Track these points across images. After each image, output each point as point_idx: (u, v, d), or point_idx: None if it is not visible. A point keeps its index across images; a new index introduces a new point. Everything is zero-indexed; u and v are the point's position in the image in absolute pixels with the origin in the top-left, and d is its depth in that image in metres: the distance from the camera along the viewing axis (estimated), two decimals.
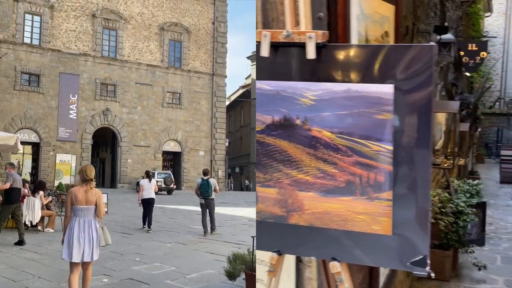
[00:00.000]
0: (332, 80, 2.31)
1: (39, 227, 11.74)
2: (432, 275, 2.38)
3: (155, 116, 33.57)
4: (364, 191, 2.31)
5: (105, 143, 35.40)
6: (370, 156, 2.27)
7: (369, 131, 2.26)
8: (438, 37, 7.89)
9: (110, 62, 32.21)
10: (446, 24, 8.45)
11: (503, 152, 28.31)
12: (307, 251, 2.58)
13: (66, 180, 27.59)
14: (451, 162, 9.54)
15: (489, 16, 35.34)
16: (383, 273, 4.26)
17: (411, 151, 2.26)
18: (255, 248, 5.77)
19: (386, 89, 2.20)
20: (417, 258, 2.32)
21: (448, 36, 7.90)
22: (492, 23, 37.70)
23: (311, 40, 2.28)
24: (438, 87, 10.97)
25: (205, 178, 12.12)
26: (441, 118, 10.17)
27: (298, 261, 3.07)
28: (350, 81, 2.28)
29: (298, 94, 2.37)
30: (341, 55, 2.32)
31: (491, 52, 36.76)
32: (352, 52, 2.32)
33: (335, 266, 2.49)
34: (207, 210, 11.99)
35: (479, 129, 27.45)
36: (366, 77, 2.25)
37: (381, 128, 2.24)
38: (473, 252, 9.14)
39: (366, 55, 2.27)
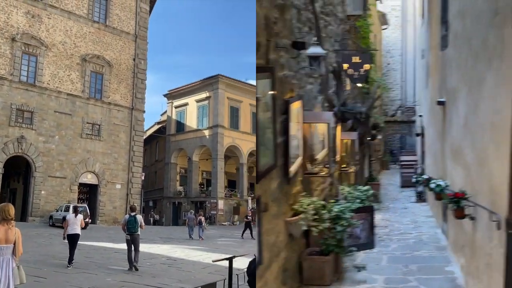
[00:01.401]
0: None
1: None
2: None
3: (73, 147, 32.68)
4: None
5: (17, 173, 33.74)
6: None
7: None
8: (307, 51, 8.12)
9: (28, 88, 31.09)
10: (315, 38, 8.77)
11: (402, 158, 29.86)
12: None
13: None
14: (328, 170, 9.99)
15: (386, 28, 37.64)
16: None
17: None
18: None
19: None
20: None
21: (316, 49, 8.11)
22: (389, 35, 40.11)
23: None
24: (318, 98, 11.27)
25: (133, 214, 12.41)
26: (322, 128, 10.51)
27: None
28: None
29: None
30: None
31: (391, 63, 39.31)
32: None
33: None
34: (132, 246, 12.15)
35: (379, 137, 28.80)
36: None
37: None
38: (352, 255, 9.48)
39: None
